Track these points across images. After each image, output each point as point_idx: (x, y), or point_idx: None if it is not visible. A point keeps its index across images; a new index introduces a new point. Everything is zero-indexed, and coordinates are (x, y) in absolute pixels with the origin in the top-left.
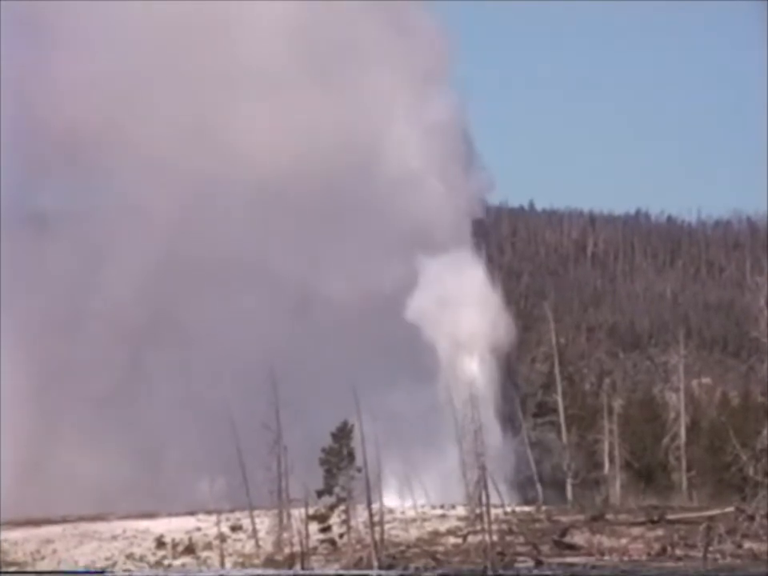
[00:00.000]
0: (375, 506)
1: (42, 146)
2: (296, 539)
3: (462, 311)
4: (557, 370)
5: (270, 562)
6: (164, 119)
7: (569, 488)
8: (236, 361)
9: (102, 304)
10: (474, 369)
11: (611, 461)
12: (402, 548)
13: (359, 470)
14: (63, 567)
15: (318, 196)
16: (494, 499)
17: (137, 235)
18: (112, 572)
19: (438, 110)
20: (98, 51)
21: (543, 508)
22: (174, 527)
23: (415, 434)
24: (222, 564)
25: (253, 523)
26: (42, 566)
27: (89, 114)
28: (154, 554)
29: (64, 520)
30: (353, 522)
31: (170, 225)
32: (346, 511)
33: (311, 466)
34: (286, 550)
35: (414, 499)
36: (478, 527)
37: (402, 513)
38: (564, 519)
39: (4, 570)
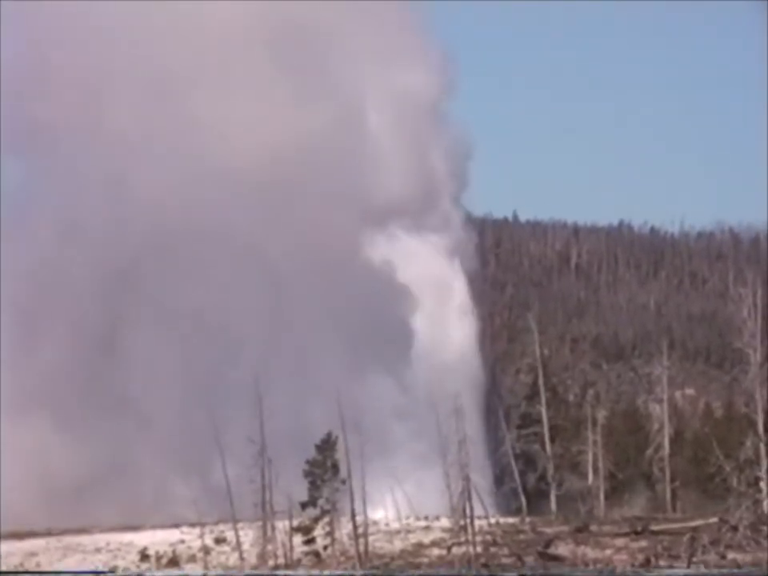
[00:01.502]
0: (359, 518)
1: (17, 127)
2: (280, 551)
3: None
4: (541, 381)
5: (254, 574)
6: (137, 107)
7: (553, 499)
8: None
9: (73, 291)
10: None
11: (595, 472)
12: (387, 560)
13: (343, 482)
14: None
15: (291, 174)
16: (478, 510)
17: (112, 215)
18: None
19: (405, 87)
20: (77, 42)
21: (527, 519)
22: (157, 540)
23: (399, 444)
24: None
25: (237, 535)
26: None
27: (66, 100)
28: (137, 566)
29: (47, 533)
30: (337, 534)
31: (146, 204)
32: (330, 523)
33: (296, 476)
34: (270, 563)
35: (398, 511)
36: (462, 539)
37: (387, 525)
38: (548, 530)
39: None
